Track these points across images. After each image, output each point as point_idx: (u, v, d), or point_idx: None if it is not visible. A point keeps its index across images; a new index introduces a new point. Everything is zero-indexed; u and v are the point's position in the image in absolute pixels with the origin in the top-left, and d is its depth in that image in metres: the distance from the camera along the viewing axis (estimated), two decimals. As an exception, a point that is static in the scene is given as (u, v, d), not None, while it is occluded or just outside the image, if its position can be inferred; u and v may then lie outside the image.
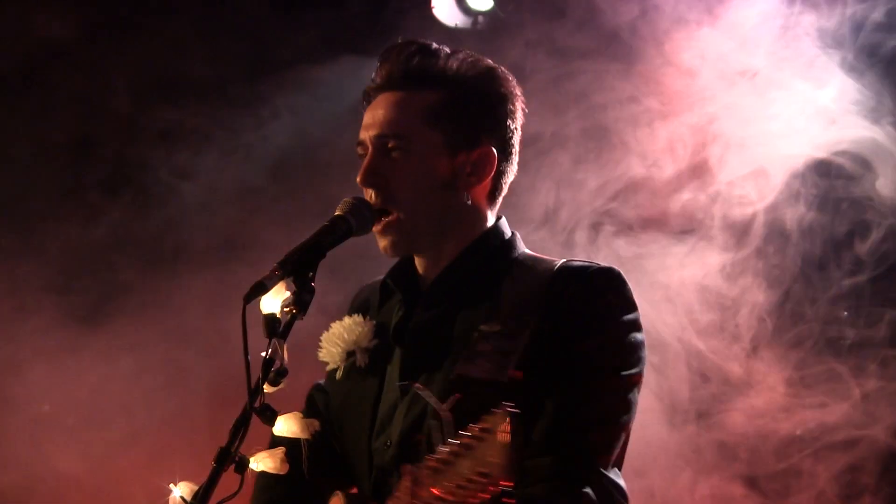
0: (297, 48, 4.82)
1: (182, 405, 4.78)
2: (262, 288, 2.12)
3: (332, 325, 2.53)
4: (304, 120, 4.87)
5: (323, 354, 2.52)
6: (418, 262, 2.48)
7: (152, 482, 2.33)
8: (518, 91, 2.45)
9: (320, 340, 2.53)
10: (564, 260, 2.37)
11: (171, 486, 2.23)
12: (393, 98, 2.38)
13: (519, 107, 2.45)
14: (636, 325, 2.32)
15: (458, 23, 4.86)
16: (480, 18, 4.87)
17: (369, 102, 2.43)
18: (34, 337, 4.70)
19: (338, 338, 2.50)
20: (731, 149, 4.32)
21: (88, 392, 4.74)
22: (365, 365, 2.47)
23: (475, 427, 1.82)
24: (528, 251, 2.47)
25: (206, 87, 4.84)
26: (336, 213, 2.31)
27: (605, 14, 4.43)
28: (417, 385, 2.21)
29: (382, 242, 2.39)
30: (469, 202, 2.39)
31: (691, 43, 4.34)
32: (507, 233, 2.47)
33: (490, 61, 2.44)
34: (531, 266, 2.38)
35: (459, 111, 2.36)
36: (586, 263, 2.35)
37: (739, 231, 4.37)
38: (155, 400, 4.80)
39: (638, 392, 2.31)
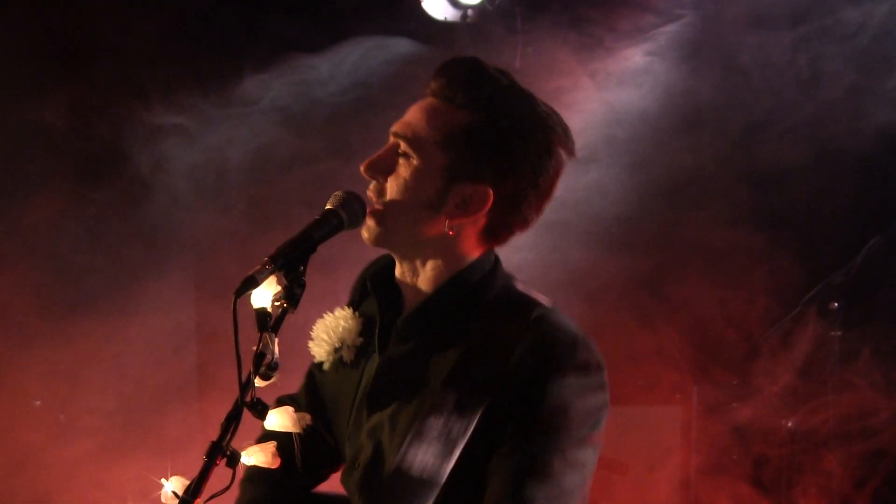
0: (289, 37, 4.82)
1: (174, 400, 4.77)
2: (252, 282, 2.11)
3: (325, 315, 2.54)
4: (294, 111, 4.84)
5: (311, 347, 2.53)
6: (397, 270, 2.45)
7: (144, 477, 2.32)
8: (561, 143, 2.35)
9: (311, 330, 2.54)
10: (540, 312, 2.30)
11: (163, 480, 2.23)
12: (430, 105, 2.36)
13: (552, 163, 2.34)
14: (599, 389, 2.29)
15: (447, 17, 4.86)
16: (470, 12, 4.87)
17: (420, 99, 2.41)
18: (25, 331, 4.69)
19: (325, 331, 2.51)
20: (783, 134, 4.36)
21: (80, 387, 4.74)
22: (350, 361, 2.48)
23: None
24: (510, 285, 2.41)
25: (186, 80, 4.82)
26: (327, 207, 2.31)
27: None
28: None
29: (364, 229, 2.38)
30: (451, 233, 2.34)
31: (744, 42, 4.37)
32: (489, 264, 2.41)
33: (543, 106, 2.35)
34: (505, 313, 2.33)
35: (476, 143, 2.31)
36: (559, 330, 2.28)
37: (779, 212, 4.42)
38: (147, 395, 4.80)
39: (595, 454, 2.29)
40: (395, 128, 2.38)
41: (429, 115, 2.34)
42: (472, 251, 2.39)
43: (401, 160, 2.35)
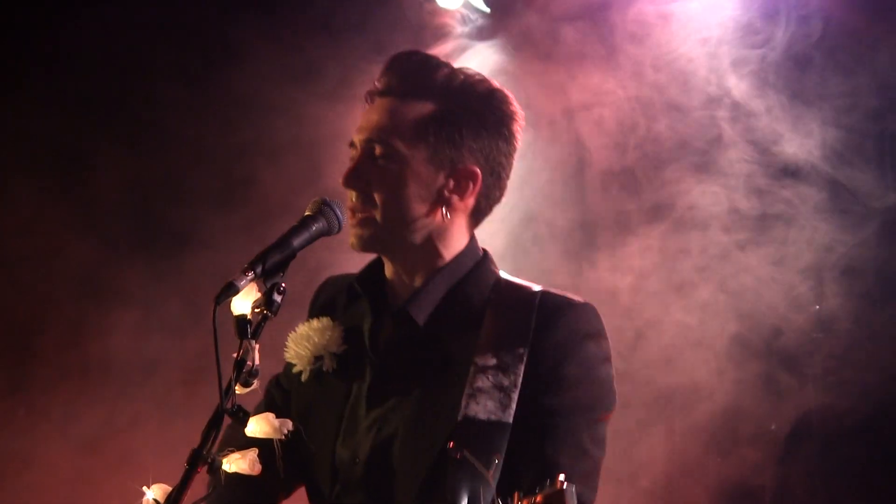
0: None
1: (155, 406, 4.76)
2: (232, 288, 2.12)
3: (300, 325, 2.54)
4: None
5: (290, 356, 2.53)
6: (388, 271, 2.50)
7: (125, 484, 2.32)
8: (519, 117, 2.48)
9: (287, 340, 2.53)
10: (541, 289, 2.41)
11: (144, 488, 2.23)
12: (388, 104, 2.42)
13: (516, 131, 2.47)
14: (609, 360, 2.39)
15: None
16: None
17: (369, 104, 2.48)
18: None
19: (306, 340, 2.51)
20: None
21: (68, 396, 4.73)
22: (332, 370, 2.48)
23: (535, 499, 1.86)
24: (502, 274, 2.49)
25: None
26: (306, 213, 2.33)
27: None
28: (465, 452, 2.21)
29: (352, 237, 2.42)
30: (448, 218, 2.42)
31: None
32: (479, 253, 2.50)
33: (494, 83, 2.47)
34: (511, 294, 2.41)
35: (450, 127, 2.40)
36: (565, 298, 2.39)
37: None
38: (128, 401, 4.78)
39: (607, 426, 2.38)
40: (361, 135, 2.42)
41: (393, 114, 2.40)
42: (462, 239, 2.47)
43: (382, 165, 2.39)
